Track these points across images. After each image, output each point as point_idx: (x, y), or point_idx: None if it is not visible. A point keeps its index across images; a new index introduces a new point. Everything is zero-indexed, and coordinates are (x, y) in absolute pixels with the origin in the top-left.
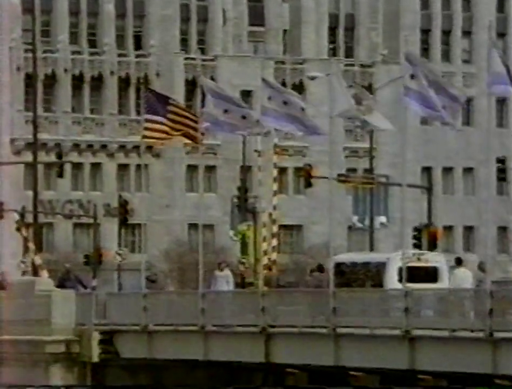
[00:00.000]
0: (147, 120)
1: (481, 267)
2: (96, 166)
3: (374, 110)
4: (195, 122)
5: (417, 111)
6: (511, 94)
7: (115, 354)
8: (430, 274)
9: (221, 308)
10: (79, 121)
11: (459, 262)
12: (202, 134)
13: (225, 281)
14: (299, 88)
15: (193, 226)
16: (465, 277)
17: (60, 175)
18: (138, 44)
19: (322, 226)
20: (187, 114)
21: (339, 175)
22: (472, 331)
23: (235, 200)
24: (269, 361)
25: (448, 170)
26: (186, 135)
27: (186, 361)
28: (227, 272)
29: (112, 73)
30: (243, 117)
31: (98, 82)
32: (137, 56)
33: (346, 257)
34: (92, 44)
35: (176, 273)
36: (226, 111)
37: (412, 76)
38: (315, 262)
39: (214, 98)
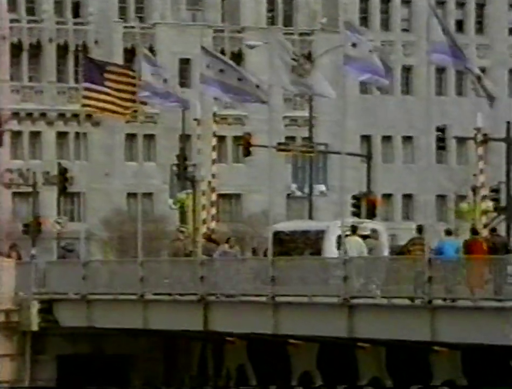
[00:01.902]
0: (86, 89)
1: (419, 229)
2: (35, 135)
3: (316, 74)
4: (133, 85)
5: (358, 76)
6: (450, 63)
7: (55, 323)
8: None
9: (160, 277)
10: (17, 90)
11: (354, 230)
12: (143, 103)
13: (233, 255)
14: (238, 56)
15: (132, 195)
16: (356, 245)
17: None
18: (77, 11)
19: (261, 194)
20: (125, 80)
21: (278, 143)
22: (412, 299)
23: (174, 168)
24: (208, 329)
25: (387, 138)
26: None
27: (125, 329)
28: (236, 249)
29: (50, 40)
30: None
31: (36, 50)
32: (75, 24)
33: (285, 225)
34: (31, 11)
35: (115, 242)
36: (165, 81)
37: (354, 45)
38: (254, 230)
39: (152, 68)
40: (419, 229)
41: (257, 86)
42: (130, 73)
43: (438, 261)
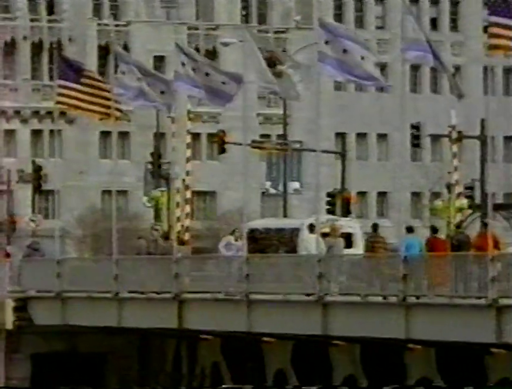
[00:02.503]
0: (60, 86)
1: (375, 227)
2: (9, 132)
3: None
4: (108, 92)
5: (333, 75)
6: (424, 60)
7: (30, 321)
8: (344, 240)
9: (135, 274)
10: None
11: (311, 229)
12: (119, 110)
13: (237, 249)
14: (212, 54)
15: (106, 192)
16: (313, 242)
17: None
18: (51, 9)
19: (235, 192)
20: (100, 85)
21: (253, 141)
22: (385, 297)
23: (149, 166)
24: (182, 327)
25: (362, 136)
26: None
27: (100, 327)
28: (241, 241)
29: (24, 38)
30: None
31: (10, 47)
32: (50, 21)
33: (259, 223)
34: (5, 9)
35: (89, 239)
36: (138, 79)
37: (327, 42)
38: (229, 228)
39: (127, 66)
40: (375, 227)
41: (225, 84)
42: (103, 85)
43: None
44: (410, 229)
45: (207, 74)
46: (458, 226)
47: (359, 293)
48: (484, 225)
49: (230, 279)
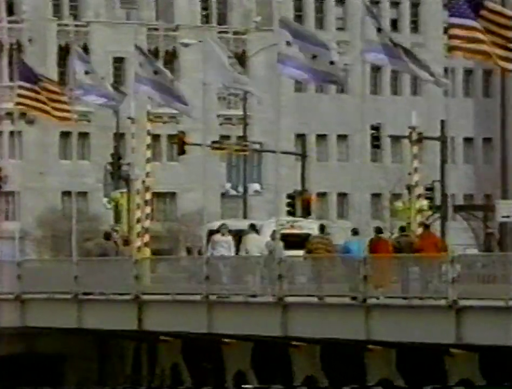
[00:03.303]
0: (20, 87)
1: (322, 228)
2: None
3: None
4: (66, 96)
5: (293, 77)
6: (384, 61)
7: None
8: (304, 241)
9: (95, 276)
10: None
11: (253, 228)
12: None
13: (227, 246)
14: (172, 55)
15: (66, 193)
16: (256, 244)
17: None
18: (10, 9)
19: (195, 193)
20: (56, 89)
21: (213, 142)
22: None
23: (109, 167)
24: (142, 329)
25: (322, 137)
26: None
27: (59, 329)
28: (228, 237)
29: None
30: (114, 87)
31: None
32: (10, 22)
33: (219, 224)
34: None
35: (49, 241)
36: (98, 79)
37: (287, 43)
38: (189, 229)
39: (87, 66)
40: (322, 228)
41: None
42: (59, 90)
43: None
44: (355, 232)
45: (164, 77)
46: (403, 228)
47: (320, 294)
48: (426, 226)
49: (190, 281)
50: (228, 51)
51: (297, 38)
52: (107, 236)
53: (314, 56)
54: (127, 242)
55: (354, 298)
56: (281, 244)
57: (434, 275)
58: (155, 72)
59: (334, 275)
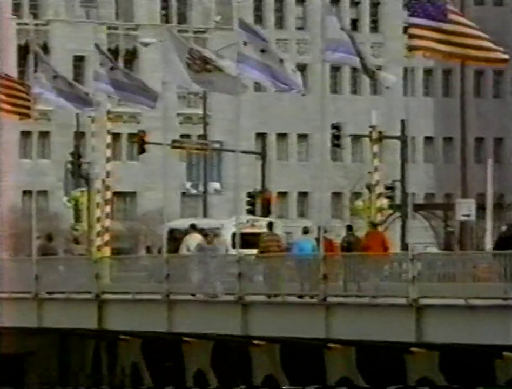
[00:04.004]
0: None
1: (270, 225)
2: None
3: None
4: (26, 94)
5: (252, 77)
6: (345, 60)
7: None
8: None
9: (55, 274)
10: None
11: (194, 227)
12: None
13: (224, 248)
14: (132, 54)
15: (27, 193)
16: (191, 243)
17: None
18: None
19: (155, 192)
20: (17, 86)
21: (173, 141)
22: (301, 296)
23: (69, 166)
24: (102, 328)
25: (282, 136)
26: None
27: (20, 328)
28: (214, 244)
29: None
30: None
31: None
32: None
33: (179, 223)
34: None
35: (10, 240)
36: (56, 79)
37: (245, 43)
38: (149, 228)
39: (46, 65)
40: (270, 225)
41: (147, 89)
42: (20, 87)
43: (294, 258)
44: (305, 231)
45: (124, 75)
46: (350, 227)
47: (279, 293)
48: (373, 225)
49: (150, 279)
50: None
51: (256, 38)
52: (49, 237)
53: (270, 57)
54: (77, 241)
55: (312, 297)
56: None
57: (393, 274)
58: (114, 68)
59: (293, 274)
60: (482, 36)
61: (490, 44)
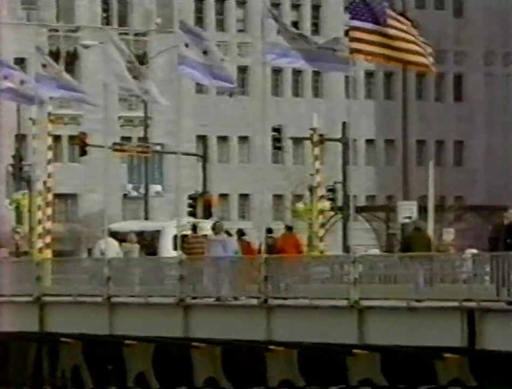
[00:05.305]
0: None
1: (194, 228)
2: None
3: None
4: None
5: (194, 79)
6: (285, 63)
7: None
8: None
9: None
10: None
11: (112, 235)
12: None
13: (221, 245)
14: (73, 56)
15: None
16: (112, 247)
17: None
18: None
19: (97, 194)
20: None
21: (114, 143)
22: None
23: (10, 168)
24: (43, 330)
25: (223, 138)
26: None
27: None
28: (223, 236)
29: None
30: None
31: None
32: None
33: (121, 226)
34: None
35: None
36: (5, 78)
37: (186, 45)
38: (90, 230)
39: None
40: (194, 227)
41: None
42: None
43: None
44: (228, 233)
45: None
46: (270, 230)
47: (219, 295)
48: (288, 228)
49: (92, 282)
50: (129, 54)
51: (197, 40)
52: None
53: (211, 59)
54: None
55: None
56: (137, 248)
57: (335, 276)
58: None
59: (235, 276)
60: (418, 42)
61: (420, 49)
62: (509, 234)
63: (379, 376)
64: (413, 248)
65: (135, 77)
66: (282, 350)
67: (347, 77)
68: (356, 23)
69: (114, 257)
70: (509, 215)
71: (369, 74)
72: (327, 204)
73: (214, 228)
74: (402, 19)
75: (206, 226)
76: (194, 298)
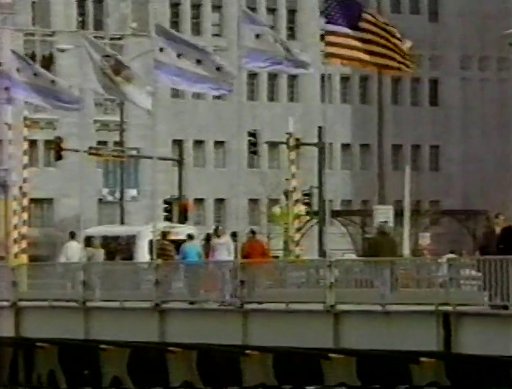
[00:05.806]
0: None
1: (164, 234)
2: None
3: (132, 82)
4: None
5: (169, 83)
6: (261, 68)
7: None
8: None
9: None
10: None
11: (72, 235)
12: None
13: (225, 248)
14: (49, 60)
15: None
16: (77, 251)
17: None
18: None
19: (73, 199)
20: None
21: (90, 148)
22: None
23: None
24: (19, 335)
25: (199, 143)
26: None
27: None
28: (226, 238)
29: None
30: None
31: None
32: None
33: (96, 230)
34: None
35: None
36: None
37: (161, 49)
38: (66, 235)
39: None
40: (164, 234)
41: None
42: None
43: (181, 264)
44: (190, 236)
45: (45, 80)
46: (234, 234)
47: (197, 299)
48: (252, 233)
49: (67, 287)
50: (105, 59)
51: (175, 44)
52: None
53: (199, 61)
54: None
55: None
56: (102, 252)
57: (310, 280)
58: (35, 74)
59: (208, 281)
60: (392, 46)
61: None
62: (503, 239)
63: (355, 380)
64: (379, 252)
65: (112, 80)
66: (257, 354)
67: (322, 81)
68: (332, 27)
69: (94, 262)
70: (500, 221)
71: (345, 79)
72: (302, 208)
73: (216, 232)
74: (377, 22)
75: (182, 231)
76: (164, 302)
